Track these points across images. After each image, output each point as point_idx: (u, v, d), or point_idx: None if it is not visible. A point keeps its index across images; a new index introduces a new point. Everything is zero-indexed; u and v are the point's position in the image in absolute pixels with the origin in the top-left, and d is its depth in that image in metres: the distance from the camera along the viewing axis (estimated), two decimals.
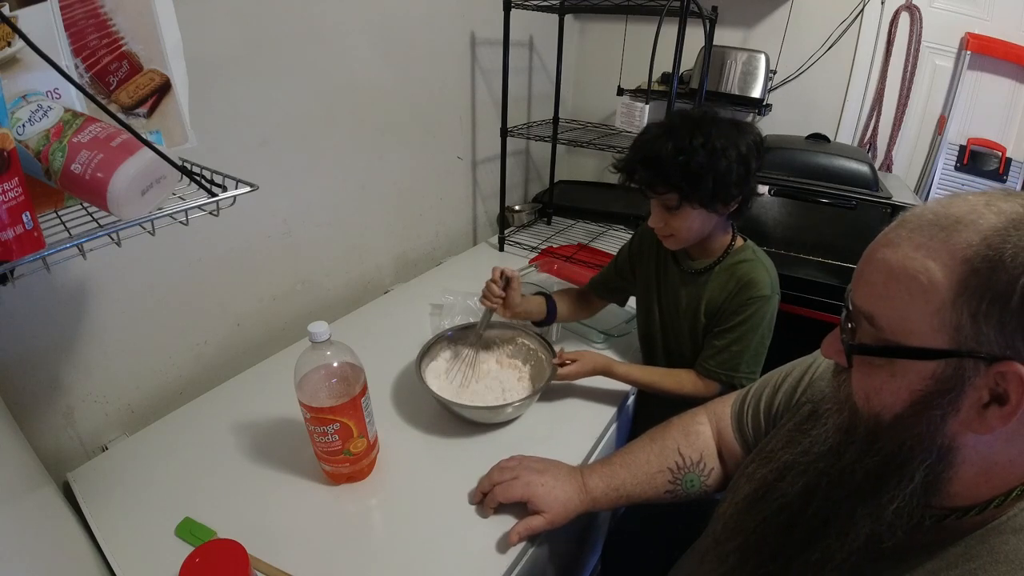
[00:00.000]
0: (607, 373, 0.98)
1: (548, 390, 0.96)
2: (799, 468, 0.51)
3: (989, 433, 0.38)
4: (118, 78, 0.58)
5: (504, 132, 1.51)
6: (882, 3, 1.60)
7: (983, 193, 0.40)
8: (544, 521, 0.72)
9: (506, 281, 1.00)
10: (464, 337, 1.05)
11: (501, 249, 1.66)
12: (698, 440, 0.76)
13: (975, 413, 0.38)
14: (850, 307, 0.45)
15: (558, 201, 1.87)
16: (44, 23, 0.52)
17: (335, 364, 0.74)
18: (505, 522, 0.75)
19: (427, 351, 0.99)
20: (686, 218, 0.86)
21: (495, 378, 1.02)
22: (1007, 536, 0.40)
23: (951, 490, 0.42)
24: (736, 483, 0.65)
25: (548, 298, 1.09)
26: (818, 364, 0.66)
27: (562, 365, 0.95)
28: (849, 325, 0.45)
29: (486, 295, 1.01)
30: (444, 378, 1.00)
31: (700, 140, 0.80)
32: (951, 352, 0.38)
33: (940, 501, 0.43)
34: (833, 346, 0.48)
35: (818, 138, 1.60)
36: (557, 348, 0.99)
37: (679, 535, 0.78)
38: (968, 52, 1.55)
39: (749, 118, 1.80)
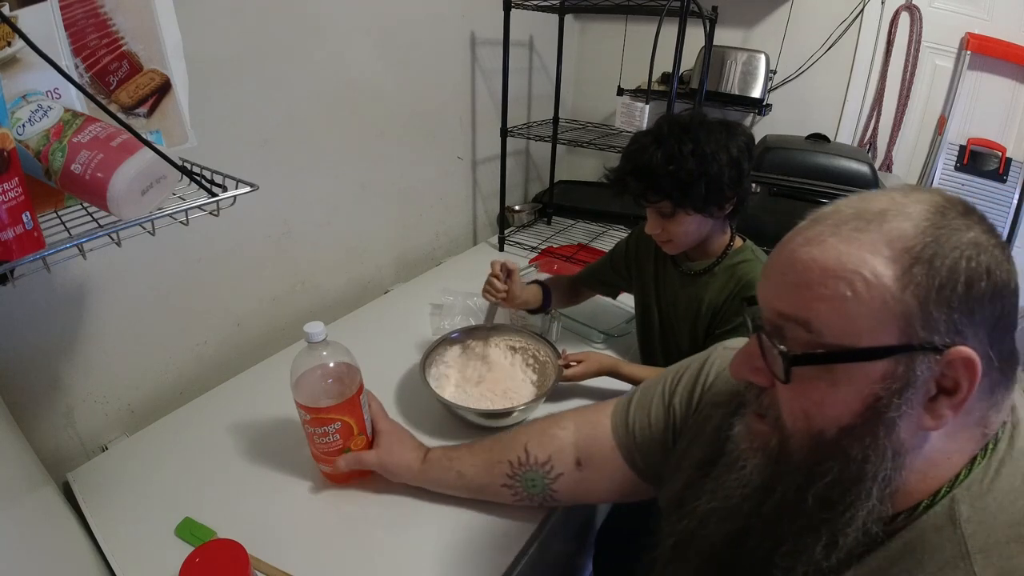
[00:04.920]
0: (613, 373, 0.98)
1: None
2: (720, 514, 0.48)
3: (942, 427, 0.37)
4: (118, 78, 0.58)
5: (504, 132, 1.51)
6: (882, 3, 1.60)
7: (890, 190, 0.40)
8: (374, 456, 0.77)
9: (507, 274, 1.00)
10: (471, 335, 1.06)
11: (501, 249, 1.66)
12: (552, 442, 0.71)
13: (925, 409, 0.37)
14: (773, 319, 0.41)
15: (558, 201, 1.87)
16: (44, 23, 0.52)
17: (331, 364, 0.74)
18: (505, 524, 0.75)
19: (431, 353, 0.99)
20: (682, 223, 0.86)
21: (499, 379, 1.01)
22: (931, 534, 0.39)
23: (897, 496, 0.40)
24: (660, 535, 0.60)
25: (543, 286, 1.10)
26: (712, 360, 0.62)
27: (568, 367, 0.95)
28: (774, 340, 0.40)
29: (489, 290, 1.01)
30: (456, 376, 1.01)
31: (689, 147, 0.80)
32: (903, 347, 0.36)
33: (886, 509, 0.41)
34: (747, 365, 0.44)
35: (818, 138, 1.60)
36: (560, 349, 0.99)
37: None
38: (968, 52, 1.54)
39: (749, 118, 1.80)
